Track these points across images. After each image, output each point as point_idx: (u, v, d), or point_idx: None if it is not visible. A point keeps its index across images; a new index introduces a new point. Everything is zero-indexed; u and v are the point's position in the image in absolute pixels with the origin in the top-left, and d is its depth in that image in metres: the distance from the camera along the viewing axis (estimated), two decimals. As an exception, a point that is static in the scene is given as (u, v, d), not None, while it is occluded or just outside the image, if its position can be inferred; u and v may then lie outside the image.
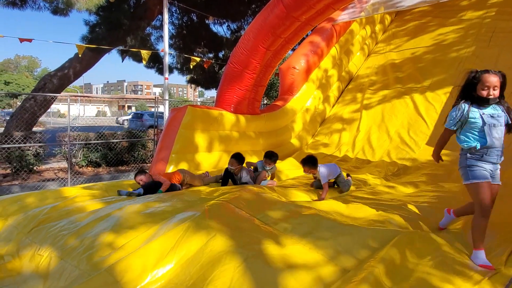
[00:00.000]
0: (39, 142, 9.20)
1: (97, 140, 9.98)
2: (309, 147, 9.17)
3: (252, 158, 7.67)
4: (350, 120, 9.38)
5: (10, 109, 45.57)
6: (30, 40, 9.68)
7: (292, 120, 9.11)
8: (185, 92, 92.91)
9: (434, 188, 5.41)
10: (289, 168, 6.95)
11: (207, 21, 15.60)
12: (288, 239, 2.85)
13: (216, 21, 15.72)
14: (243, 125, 7.51)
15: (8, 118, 13.58)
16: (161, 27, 14.36)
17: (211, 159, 6.91)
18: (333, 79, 10.36)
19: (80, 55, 12.08)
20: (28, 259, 3.19)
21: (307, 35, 10.11)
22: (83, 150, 10.04)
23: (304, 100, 9.44)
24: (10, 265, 3.16)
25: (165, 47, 11.83)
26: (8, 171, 8.91)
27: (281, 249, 2.70)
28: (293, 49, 11.42)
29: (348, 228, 3.17)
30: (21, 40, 9.56)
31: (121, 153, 10.38)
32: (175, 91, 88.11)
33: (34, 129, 11.66)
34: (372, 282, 2.21)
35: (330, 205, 4.18)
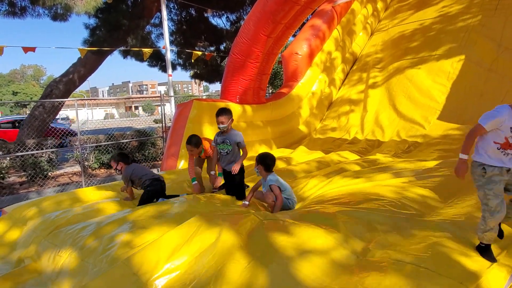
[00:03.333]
0: (51, 148, 9.32)
1: (107, 141, 10.08)
2: (318, 132, 9.13)
3: (262, 148, 7.68)
4: (357, 101, 9.29)
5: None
6: (33, 49, 9.75)
7: (298, 106, 9.06)
8: (190, 88, 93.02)
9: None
10: (301, 155, 6.92)
11: (205, 14, 15.51)
12: (297, 228, 2.84)
13: (215, 13, 15.62)
14: (250, 115, 7.49)
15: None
16: (160, 25, 14.32)
17: (221, 151, 6.92)
18: (337, 61, 10.25)
19: (82, 58, 12.16)
20: (49, 260, 3.25)
21: (307, 20, 9.99)
22: (94, 153, 10.15)
23: (310, 85, 9.37)
24: (31, 267, 3.23)
25: (166, 44, 11.81)
26: (24, 178, 9.06)
27: (291, 237, 2.70)
28: (294, 35, 11.31)
29: (355, 213, 3.16)
30: (25, 50, 9.62)
31: (132, 152, 10.46)
32: (179, 88, 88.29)
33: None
34: (389, 261, 2.20)
35: (339, 188, 4.17)
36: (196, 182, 4.60)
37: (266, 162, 4.09)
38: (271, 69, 8.52)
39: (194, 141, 4.62)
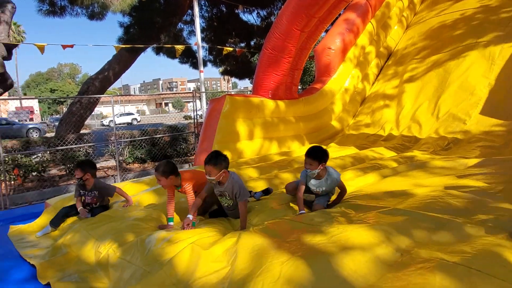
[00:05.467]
0: (88, 143, 9.64)
1: (141, 137, 10.31)
2: (351, 128, 8.95)
3: (294, 144, 7.61)
4: (392, 96, 9.01)
5: (58, 115, 48.16)
6: (71, 46, 10.09)
7: (331, 102, 8.91)
8: (218, 85, 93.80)
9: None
10: (334, 151, 6.79)
11: (236, 11, 15.55)
12: (335, 228, 2.76)
13: (245, 9, 15.62)
14: (283, 111, 7.43)
15: (57, 123, 14.33)
16: (192, 22, 14.49)
17: (253, 146, 6.91)
18: (371, 56, 10.00)
19: (116, 56, 12.49)
20: (89, 252, 3.33)
21: (341, 14, 9.79)
22: (128, 148, 10.40)
23: (342, 80, 9.20)
24: (71, 256, 3.32)
25: (197, 40, 11.93)
26: (63, 172, 9.41)
27: (330, 237, 2.62)
28: (326, 30, 11.13)
29: (396, 211, 3.04)
30: (64, 46, 9.98)
31: (164, 148, 10.65)
32: (208, 84, 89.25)
33: (82, 131, 12.24)
34: (436, 260, 2.10)
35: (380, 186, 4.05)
36: (172, 223, 3.59)
37: (327, 156, 3.63)
38: (304, 64, 8.41)
39: (162, 169, 3.47)
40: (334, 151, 6.68)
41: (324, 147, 7.14)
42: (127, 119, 38.12)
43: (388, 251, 2.40)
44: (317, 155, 3.56)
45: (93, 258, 3.25)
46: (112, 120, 32.00)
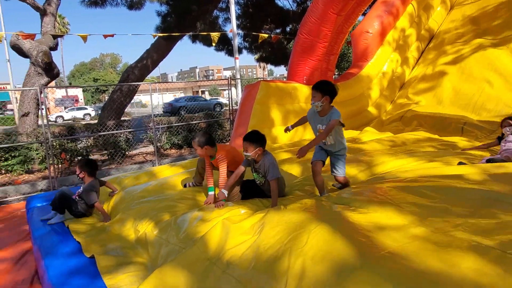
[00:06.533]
0: (128, 129, 10.02)
1: (178, 123, 10.57)
2: (388, 114, 8.70)
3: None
4: (433, 80, 8.65)
5: (100, 104, 50.28)
6: (112, 35, 10.44)
7: (368, 87, 8.69)
8: (254, 72, 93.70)
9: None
10: (371, 136, 6.66)
11: (271, -4, 15.40)
12: (365, 208, 2.72)
13: (281, -6, 15.43)
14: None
15: (100, 111, 14.97)
16: (227, 9, 14.52)
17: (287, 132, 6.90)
18: (412, 38, 9.61)
19: (154, 44, 12.79)
20: (129, 231, 3.51)
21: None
22: (166, 134, 10.71)
23: (380, 64, 8.92)
24: (113, 234, 3.52)
25: (233, 27, 11.94)
26: (106, 157, 9.87)
27: (364, 215, 2.58)
28: (364, 14, 10.78)
29: (431, 192, 2.94)
30: (105, 36, 10.34)
31: (200, 134, 10.87)
32: (244, 72, 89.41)
33: (122, 118, 12.72)
34: (470, 242, 2.02)
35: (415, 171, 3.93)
36: (212, 192, 3.70)
37: (334, 90, 3.43)
38: (340, 49, 8.23)
39: (198, 139, 3.74)
40: (371, 136, 6.55)
41: (359, 132, 7.04)
42: (79, 114, 34.31)
43: (422, 230, 2.32)
44: (320, 86, 3.43)
45: (132, 236, 3.43)
46: (60, 116, 32.10)
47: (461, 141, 5.81)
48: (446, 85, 8.24)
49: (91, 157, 9.64)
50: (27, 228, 5.02)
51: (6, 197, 6.94)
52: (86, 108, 38.04)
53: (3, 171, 8.12)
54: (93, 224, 3.97)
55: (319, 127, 3.50)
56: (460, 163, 4.06)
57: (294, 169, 4.62)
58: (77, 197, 4.16)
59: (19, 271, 3.78)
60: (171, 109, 24.35)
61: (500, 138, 4.77)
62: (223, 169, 3.71)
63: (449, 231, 2.17)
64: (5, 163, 7.95)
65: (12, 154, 7.99)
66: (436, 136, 6.16)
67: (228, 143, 8.35)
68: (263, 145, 3.53)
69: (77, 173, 4.21)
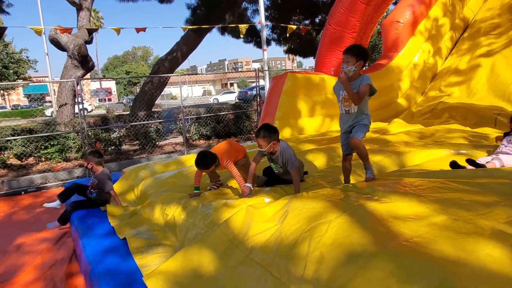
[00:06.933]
0: (159, 120, 10.32)
1: (207, 114, 10.77)
2: (419, 106, 8.50)
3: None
4: (466, 71, 8.36)
5: (133, 96, 51.70)
6: (144, 29, 10.72)
7: (398, 78, 8.52)
8: (283, 64, 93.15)
9: None
10: (399, 128, 6.56)
11: (301, -13, 15.25)
12: (388, 198, 2.72)
13: (310, -15, 15.26)
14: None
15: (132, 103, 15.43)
16: (256, 1, 14.50)
17: (314, 123, 6.92)
18: (445, 28, 9.30)
19: (184, 37, 13.02)
20: (158, 214, 3.69)
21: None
22: (195, 125, 10.94)
23: (411, 55, 8.70)
24: (144, 217, 3.71)
25: (261, 19, 11.95)
26: (137, 146, 10.22)
27: (386, 204, 2.59)
28: (395, 3, 10.52)
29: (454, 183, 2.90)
30: (137, 30, 10.63)
31: (228, 125, 11.03)
32: (273, 64, 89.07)
33: (152, 110, 13.08)
34: (493, 230, 2.01)
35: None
36: (198, 191, 3.84)
37: (368, 55, 3.35)
38: (369, 39, 8.10)
39: (202, 162, 3.72)
40: (399, 128, 6.46)
41: (387, 124, 6.95)
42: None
43: (442, 219, 2.30)
44: (355, 50, 3.32)
45: (161, 220, 3.61)
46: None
47: (494, 133, 5.63)
48: (480, 76, 7.96)
49: (123, 147, 10.02)
50: (65, 211, 5.34)
51: (46, 183, 7.37)
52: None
53: (43, 159, 8.60)
54: (125, 208, 4.19)
55: (341, 94, 3.43)
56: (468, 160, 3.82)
57: (319, 159, 4.66)
58: (91, 190, 4.23)
59: (58, 250, 4.05)
60: (247, 97, 25.02)
61: (507, 135, 4.35)
62: (235, 172, 3.71)
63: (472, 219, 2.16)
64: (45, 151, 8.42)
65: (51, 143, 8.44)
66: (468, 128, 6.01)
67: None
68: (277, 138, 3.52)
69: (85, 165, 4.25)
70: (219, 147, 3.91)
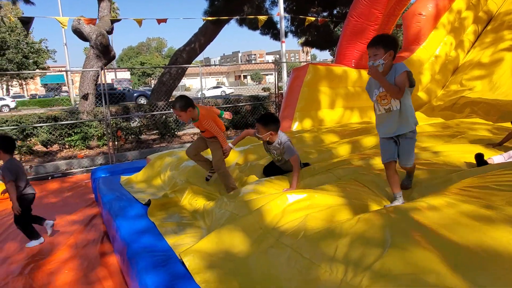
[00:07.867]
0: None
1: (224, 105, 10.87)
2: (439, 100, 8.44)
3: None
4: (489, 65, 8.24)
5: (147, 87, 52.12)
6: (165, 20, 10.81)
7: (418, 71, 8.45)
8: (297, 57, 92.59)
9: None
10: (420, 121, 6.54)
11: (319, -22, 15.14)
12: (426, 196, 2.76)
13: (329, -24, 15.13)
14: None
15: (148, 93, 15.54)
16: (274, -8, 14.49)
17: (334, 115, 6.95)
18: (468, 21, 9.17)
19: (202, 28, 13.10)
20: (186, 200, 3.81)
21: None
22: (213, 116, 11.06)
23: (433, 48, 8.62)
24: (174, 201, 3.83)
25: (280, 10, 11.96)
26: (156, 136, 10.40)
27: (418, 201, 2.64)
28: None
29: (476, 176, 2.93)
30: (159, 21, 10.74)
31: (246, 116, 11.11)
32: (287, 57, 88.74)
33: (170, 100, 13.24)
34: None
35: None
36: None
37: (397, 43, 2.83)
38: (391, 31, 8.06)
39: (179, 104, 3.60)
40: (419, 120, 6.44)
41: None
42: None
43: (469, 207, 2.33)
44: (382, 41, 2.78)
45: (190, 206, 3.72)
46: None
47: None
48: (503, 70, 7.84)
49: (143, 136, 10.20)
50: (92, 196, 5.53)
51: (71, 169, 7.59)
52: (4, 99, 32.80)
53: (67, 146, 8.83)
54: (156, 192, 4.33)
55: (376, 93, 2.91)
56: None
57: (341, 150, 4.71)
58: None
59: (89, 232, 4.21)
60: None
61: None
62: (215, 129, 3.78)
63: (499, 206, 2.20)
64: (69, 138, 8.65)
65: (75, 131, 8.66)
66: (490, 122, 5.97)
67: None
68: (275, 129, 3.57)
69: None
70: (201, 106, 3.91)
